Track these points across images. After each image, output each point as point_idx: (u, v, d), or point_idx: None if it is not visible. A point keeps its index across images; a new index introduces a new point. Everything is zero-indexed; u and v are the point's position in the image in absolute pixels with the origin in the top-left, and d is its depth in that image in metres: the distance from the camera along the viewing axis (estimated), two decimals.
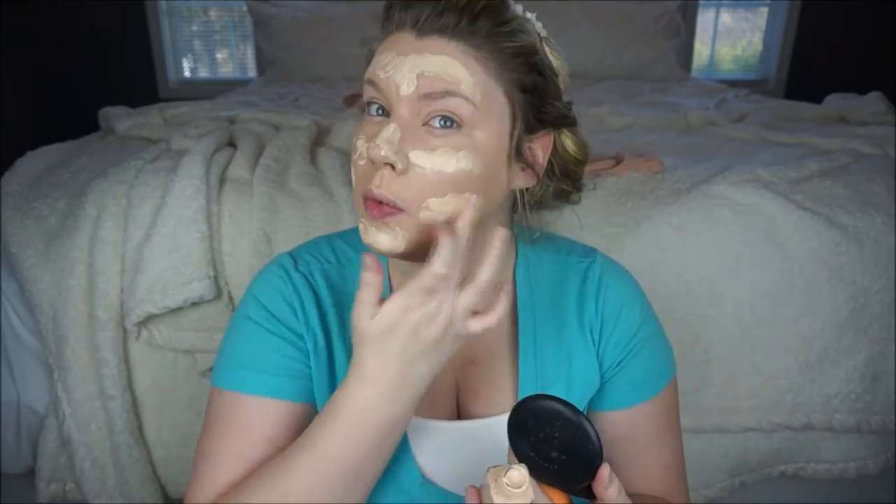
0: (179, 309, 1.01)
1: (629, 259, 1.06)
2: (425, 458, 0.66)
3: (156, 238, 0.99)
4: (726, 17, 3.38)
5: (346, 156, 1.21)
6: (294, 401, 0.63)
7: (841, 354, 1.11)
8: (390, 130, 0.53)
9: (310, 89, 2.24)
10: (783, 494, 1.22)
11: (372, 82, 0.57)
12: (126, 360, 1.05)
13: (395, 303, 0.50)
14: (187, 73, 3.36)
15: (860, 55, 3.16)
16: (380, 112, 0.57)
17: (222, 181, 1.08)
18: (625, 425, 0.70)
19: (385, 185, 0.54)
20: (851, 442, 1.15)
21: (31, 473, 1.12)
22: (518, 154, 0.59)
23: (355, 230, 0.71)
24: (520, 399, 0.50)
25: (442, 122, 0.54)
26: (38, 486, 1.10)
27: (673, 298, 1.08)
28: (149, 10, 3.10)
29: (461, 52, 0.54)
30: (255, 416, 0.61)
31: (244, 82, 2.83)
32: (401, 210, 0.54)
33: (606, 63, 2.55)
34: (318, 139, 1.29)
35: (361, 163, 0.57)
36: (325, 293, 0.66)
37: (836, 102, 1.79)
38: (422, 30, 0.55)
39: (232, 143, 1.20)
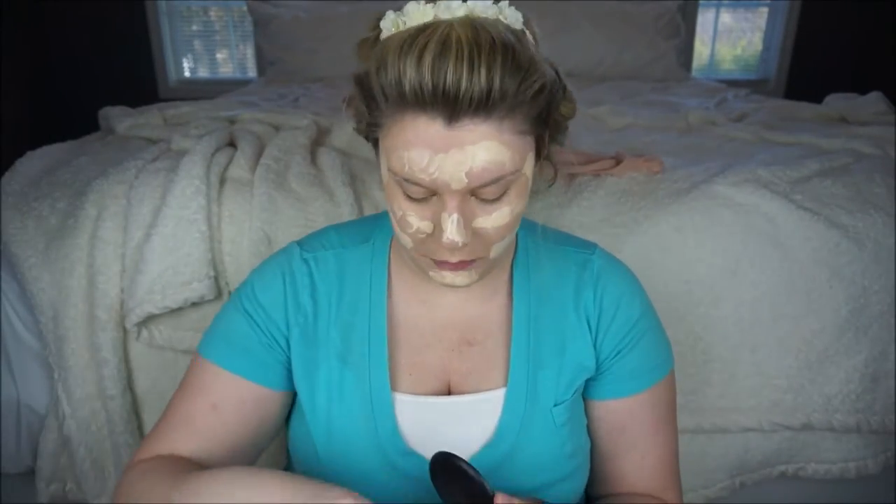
0: (179, 309, 1.01)
1: (629, 259, 1.06)
2: (411, 431, 0.68)
3: (156, 238, 0.99)
4: (726, 17, 3.38)
5: (346, 156, 1.21)
6: (250, 380, 0.67)
7: (841, 354, 1.11)
8: (455, 223, 0.55)
9: (310, 89, 2.24)
10: (783, 494, 1.22)
11: (413, 181, 0.54)
12: (126, 360, 1.05)
13: None
14: (187, 73, 3.36)
15: (860, 55, 3.16)
16: (422, 199, 0.57)
17: (222, 181, 1.08)
18: (621, 414, 0.71)
19: (460, 254, 0.58)
20: (851, 442, 1.15)
21: (31, 473, 1.12)
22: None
23: (361, 219, 0.78)
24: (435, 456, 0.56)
25: (493, 198, 0.57)
26: (38, 486, 1.10)
27: (673, 298, 1.08)
28: (149, 10, 3.10)
29: (496, 130, 0.52)
30: (210, 382, 0.67)
31: (244, 82, 2.83)
32: (475, 260, 0.60)
33: (606, 63, 2.55)
34: (319, 139, 1.29)
35: (422, 237, 0.59)
36: (323, 278, 0.70)
37: (836, 102, 1.79)
38: (452, 115, 0.51)
39: (232, 143, 1.20)
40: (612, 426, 0.72)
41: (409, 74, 0.50)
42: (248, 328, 0.69)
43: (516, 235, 0.72)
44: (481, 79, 0.49)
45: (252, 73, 3.30)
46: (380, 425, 0.67)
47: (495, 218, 0.57)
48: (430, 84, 0.50)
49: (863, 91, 1.77)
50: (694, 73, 3.17)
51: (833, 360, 1.11)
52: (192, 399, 0.68)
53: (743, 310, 1.09)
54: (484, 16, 0.53)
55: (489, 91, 0.50)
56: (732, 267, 1.08)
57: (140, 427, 1.07)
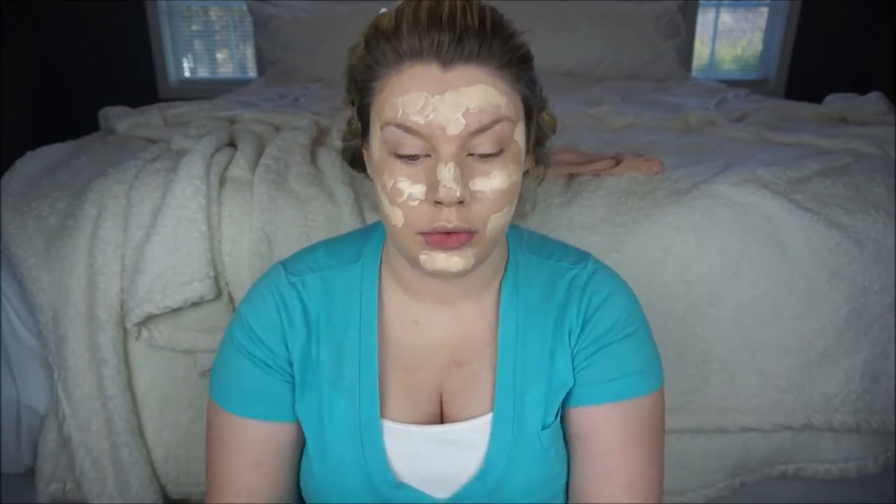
0: (179, 309, 1.01)
1: (629, 259, 1.06)
2: (401, 462, 0.67)
3: (156, 238, 0.99)
4: (726, 17, 3.38)
5: None
6: (276, 421, 0.68)
7: (841, 354, 1.11)
8: (453, 171, 0.54)
9: (310, 89, 2.24)
10: (783, 494, 1.22)
11: (407, 128, 0.54)
12: (126, 360, 1.05)
13: None
14: (187, 73, 3.36)
15: (860, 55, 3.16)
16: (412, 157, 0.56)
17: (222, 181, 1.08)
18: (586, 424, 0.67)
19: (456, 218, 0.56)
20: (852, 442, 1.15)
21: (31, 473, 1.12)
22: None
23: (347, 235, 0.75)
24: None
25: (490, 151, 0.56)
26: (38, 486, 1.10)
27: (673, 298, 1.08)
28: (149, 10, 3.10)
29: (489, 76, 0.55)
30: (243, 438, 0.67)
31: (244, 82, 2.83)
32: (472, 232, 0.57)
33: (606, 63, 2.55)
34: (319, 139, 1.29)
35: (414, 203, 0.56)
36: (312, 301, 0.68)
37: (836, 102, 1.79)
38: (446, 60, 0.54)
39: (232, 143, 1.20)
40: (578, 434, 0.67)
41: (407, 20, 0.54)
42: (260, 370, 0.68)
43: (507, 245, 0.71)
44: (474, 24, 0.54)
45: (252, 73, 3.30)
46: (369, 455, 0.66)
47: (494, 181, 0.56)
48: (426, 26, 0.53)
49: (863, 91, 1.77)
50: (694, 73, 3.17)
51: (833, 360, 1.11)
52: (233, 459, 0.67)
53: (743, 310, 1.09)
54: None
55: (482, 38, 0.54)
56: (732, 267, 1.08)
57: (140, 427, 1.07)
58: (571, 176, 1.18)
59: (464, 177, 0.55)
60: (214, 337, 1.04)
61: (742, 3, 3.37)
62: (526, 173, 0.65)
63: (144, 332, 1.03)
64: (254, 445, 0.67)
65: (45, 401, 1.10)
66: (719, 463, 1.15)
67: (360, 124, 0.63)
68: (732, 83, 2.64)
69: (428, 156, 0.56)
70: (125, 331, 1.04)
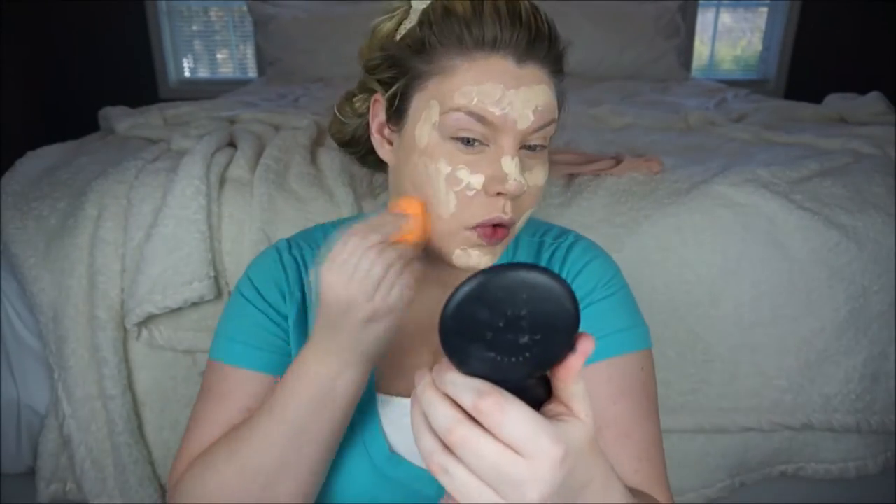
0: (180, 309, 1.01)
1: (629, 259, 1.06)
2: (395, 434, 0.67)
3: (156, 238, 1.00)
4: (726, 17, 3.38)
5: (346, 156, 1.21)
6: (273, 374, 0.66)
7: (841, 354, 1.11)
8: (516, 164, 0.56)
9: (310, 89, 2.24)
10: (783, 494, 1.22)
11: (480, 117, 0.55)
12: (126, 360, 1.05)
13: (332, 271, 0.52)
14: (187, 73, 3.36)
15: (860, 55, 3.16)
16: (469, 142, 0.56)
17: (222, 181, 1.08)
18: None
19: (511, 210, 0.58)
20: (851, 442, 1.15)
21: (31, 473, 1.12)
22: None
23: (350, 218, 0.77)
24: (454, 293, 0.36)
25: (534, 147, 0.59)
26: (38, 486, 1.10)
27: (673, 298, 1.08)
28: (149, 10, 3.10)
29: (548, 78, 0.58)
30: (236, 386, 0.65)
31: (244, 82, 2.84)
32: (510, 227, 0.59)
33: (606, 63, 2.55)
34: (319, 139, 1.29)
35: (470, 194, 0.57)
36: (308, 272, 0.70)
37: (836, 102, 1.79)
38: (522, 57, 0.56)
39: (232, 144, 1.20)
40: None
41: (488, 10, 0.55)
42: (259, 323, 0.67)
43: None
44: (544, 29, 0.57)
45: (252, 73, 3.30)
46: (364, 425, 0.66)
47: (535, 176, 0.59)
48: (508, 20, 0.55)
49: (863, 91, 1.78)
50: (694, 74, 3.17)
51: (833, 360, 1.11)
52: (223, 405, 0.65)
53: (743, 310, 1.09)
54: None
55: (549, 41, 0.57)
56: (732, 267, 1.08)
57: (140, 427, 1.07)
58: (571, 176, 1.18)
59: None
60: None
61: (742, 3, 3.37)
62: None
63: (144, 332, 1.03)
64: (247, 392, 0.65)
65: (45, 401, 1.10)
66: (719, 463, 1.15)
67: (389, 104, 0.62)
68: (732, 83, 2.64)
69: (486, 145, 0.57)
70: (125, 331, 1.04)
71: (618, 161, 1.20)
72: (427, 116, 0.58)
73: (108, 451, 1.05)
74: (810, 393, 1.12)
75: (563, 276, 0.69)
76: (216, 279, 1.02)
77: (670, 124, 1.64)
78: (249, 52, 3.33)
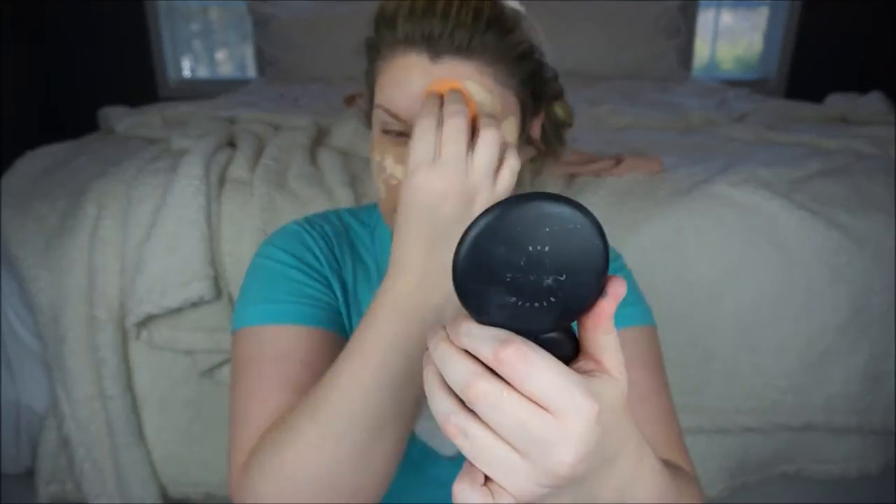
0: (179, 309, 1.01)
1: (629, 259, 1.06)
2: (434, 436, 0.67)
3: (155, 238, 0.99)
4: (726, 17, 3.38)
5: (346, 156, 1.21)
6: (326, 328, 0.61)
7: (842, 355, 1.11)
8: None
9: (310, 89, 2.24)
10: (784, 495, 1.22)
11: (392, 113, 0.56)
12: (126, 360, 1.05)
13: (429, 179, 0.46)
14: (187, 73, 3.36)
15: (860, 55, 3.16)
16: (400, 134, 0.57)
17: (222, 181, 1.08)
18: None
19: None
20: (852, 442, 1.15)
21: (31, 473, 1.12)
22: (522, 136, 0.62)
23: (358, 207, 0.76)
24: (467, 229, 0.32)
25: None
26: (38, 486, 1.10)
27: (673, 299, 1.08)
28: (149, 10, 3.10)
29: (477, 71, 0.55)
30: (288, 344, 0.59)
31: (244, 82, 2.83)
32: None
33: (606, 63, 2.55)
34: (318, 139, 1.29)
35: (394, 182, 0.58)
36: (338, 246, 0.68)
37: (836, 102, 1.79)
38: (435, 51, 0.54)
39: (232, 144, 1.20)
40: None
41: (405, 8, 0.55)
42: (299, 279, 0.62)
43: None
44: (468, 18, 0.54)
45: (252, 73, 3.30)
46: None
47: None
48: (420, 16, 0.54)
49: (863, 91, 1.77)
50: (694, 73, 3.17)
51: (834, 361, 1.11)
52: (278, 367, 0.57)
53: (743, 310, 1.08)
54: None
55: (474, 31, 0.54)
56: (733, 267, 1.08)
57: (140, 427, 1.07)
58: (572, 176, 1.18)
59: None
60: (214, 337, 1.04)
61: (742, 3, 3.36)
62: (526, 165, 0.66)
63: (144, 333, 1.03)
64: (303, 347, 0.58)
65: (45, 401, 1.10)
66: (719, 463, 1.15)
67: (369, 97, 0.64)
68: (733, 83, 2.64)
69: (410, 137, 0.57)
70: (125, 331, 1.04)
71: (618, 161, 1.20)
72: (373, 111, 0.60)
73: (107, 451, 1.05)
74: (811, 393, 1.12)
75: None
76: (216, 279, 1.02)
77: (670, 124, 1.64)
78: (249, 52, 3.32)
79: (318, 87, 2.29)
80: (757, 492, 1.21)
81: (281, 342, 0.59)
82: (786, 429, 1.13)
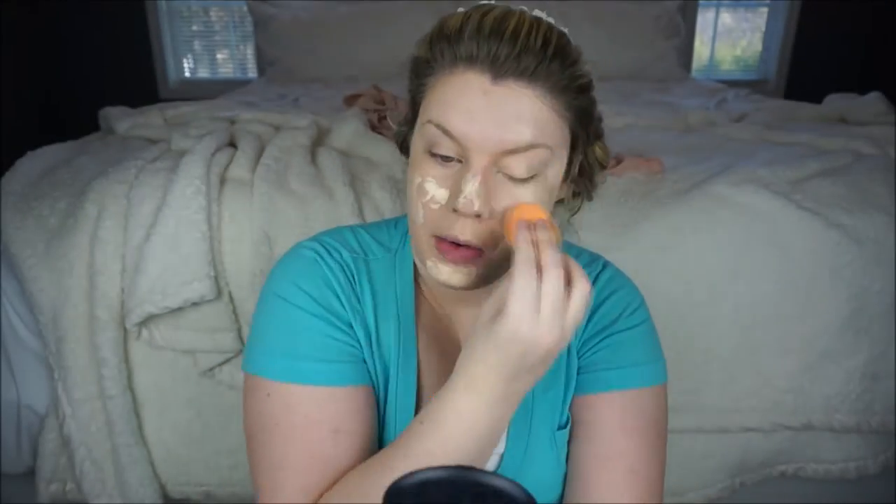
0: (180, 309, 1.01)
1: (629, 259, 1.06)
2: None
3: (156, 238, 0.99)
4: (726, 17, 3.38)
5: (346, 156, 1.21)
6: (354, 384, 0.60)
7: (841, 354, 1.11)
8: (476, 184, 0.53)
9: (310, 89, 2.24)
10: (783, 494, 1.22)
11: (445, 130, 0.54)
12: (126, 360, 1.05)
13: (521, 312, 0.47)
14: (187, 73, 3.36)
15: (860, 55, 3.16)
16: (446, 158, 0.56)
17: (223, 181, 1.08)
18: (588, 412, 0.65)
19: (469, 232, 0.55)
20: (852, 442, 1.15)
21: (31, 473, 1.12)
22: (567, 173, 0.61)
23: (376, 224, 0.72)
24: (401, 478, 0.34)
25: (521, 176, 0.55)
26: (38, 486, 1.10)
27: (673, 299, 1.08)
28: (149, 10, 3.10)
29: (538, 98, 0.54)
30: (318, 409, 0.58)
31: (244, 82, 2.83)
32: (480, 251, 0.56)
33: (606, 63, 2.55)
34: (319, 139, 1.29)
35: (435, 207, 0.56)
36: (358, 281, 0.65)
37: (836, 102, 1.79)
38: (499, 73, 0.53)
39: (232, 144, 1.20)
40: (576, 420, 0.66)
41: (471, 26, 0.54)
42: (325, 332, 0.60)
43: None
44: (536, 44, 0.53)
45: (252, 73, 3.30)
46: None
47: (516, 203, 0.55)
48: (487, 35, 0.53)
49: (863, 91, 1.77)
50: (694, 74, 3.17)
51: (833, 361, 1.11)
52: (310, 433, 0.57)
53: (743, 310, 1.09)
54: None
55: (541, 58, 0.53)
56: (732, 267, 1.08)
57: (140, 427, 1.07)
58: None
59: (489, 193, 0.54)
60: (214, 337, 1.04)
61: (742, 3, 3.37)
62: (560, 202, 0.64)
63: (144, 332, 1.03)
64: (328, 413, 0.58)
65: (45, 401, 1.10)
66: (719, 463, 1.15)
67: (411, 114, 0.63)
68: (732, 83, 2.64)
69: (461, 161, 0.55)
70: (125, 331, 1.04)
71: (618, 161, 1.20)
72: (417, 127, 0.59)
73: (107, 451, 1.05)
74: (810, 393, 1.12)
75: (584, 325, 0.66)
76: (216, 279, 1.02)
77: (670, 124, 1.64)
78: (249, 52, 3.32)
79: (318, 87, 2.29)
80: (756, 492, 1.21)
81: (310, 406, 0.58)
82: (785, 428, 1.13)
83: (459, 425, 0.51)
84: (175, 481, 1.10)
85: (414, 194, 0.58)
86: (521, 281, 0.47)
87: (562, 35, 0.56)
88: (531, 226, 0.50)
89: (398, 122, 0.69)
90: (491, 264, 0.58)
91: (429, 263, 0.58)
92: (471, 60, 0.54)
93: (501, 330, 0.47)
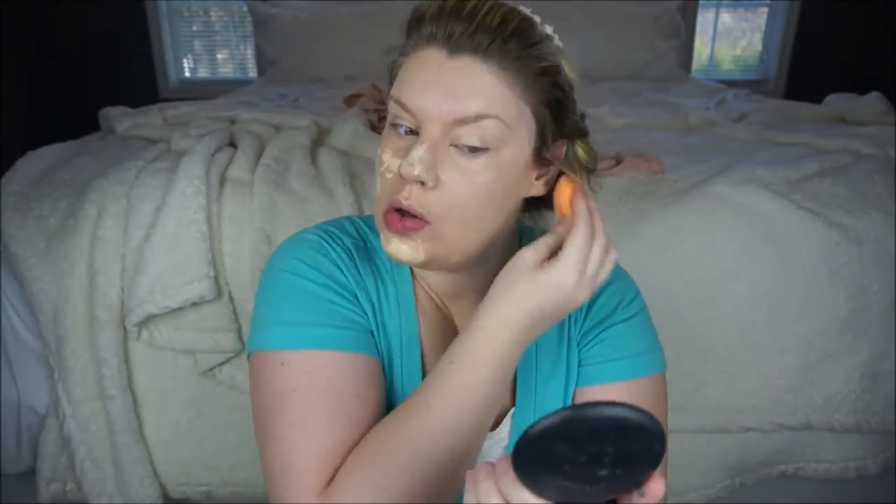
0: (180, 309, 1.01)
1: (629, 259, 1.06)
2: None
3: (156, 238, 1.00)
4: (726, 17, 3.38)
5: (346, 156, 1.21)
6: (366, 353, 0.60)
7: (841, 354, 1.11)
8: (422, 150, 0.54)
9: (310, 89, 2.24)
10: (783, 494, 1.22)
11: (401, 103, 0.56)
12: (126, 360, 1.05)
13: (565, 266, 0.52)
14: (187, 73, 3.36)
15: (860, 55, 3.16)
16: (407, 132, 0.57)
17: (222, 181, 1.08)
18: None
19: (414, 198, 0.56)
20: (851, 442, 1.15)
21: (31, 473, 1.12)
22: (535, 164, 0.61)
23: (371, 217, 0.71)
24: (533, 424, 0.34)
25: (473, 148, 0.56)
26: (38, 485, 1.10)
27: (673, 298, 1.08)
28: (149, 10, 3.10)
29: (492, 73, 0.55)
30: (339, 372, 0.57)
31: (244, 82, 2.84)
32: (425, 222, 0.56)
33: (606, 63, 2.55)
34: (319, 139, 1.29)
35: (389, 175, 0.58)
36: (361, 263, 0.65)
37: (835, 102, 1.79)
38: (454, 48, 0.55)
39: (232, 144, 1.20)
40: None
41: (433, 9, 0.56)
42: (333, 300, 0.60)
43: (520, 245, 0.68)
44: (493, 22, 0.54)
45: (252, 73, 3.30)
46: None
47: (466, 176, 0.55)
48: (447, 16, 0.55)
49: (863, 91, 1.78)
50: (694, 74, 3.17)
51: (833, 361, 1.11)
52: (329, 396, 0.56)
53: (743, 310, 1.09)
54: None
55: (495, 35, 0.54)
56: (732, 267, 1.08)
57: (140, 427, 1.07)
58: None
59: (436, 162, 0.55)
60: (214, 337, 1.04)
61: (742, 3, 3.37)
62: (531, 203, 0.64)
63: (145, 332, 1.03)
64: (350, 377, 0.57)
65: (45, 401, 1.10)
66: (719, 463, 1.15)
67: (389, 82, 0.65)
68: (732, 83, 2.64)
69: (417, 134, 0.57)
70: (125, 331, 1.04)
71: (618, 161, 1.20)
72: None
73: (107, 451, 1.05)
74: (810, 393, 1.12)
75: (583, 315, 0.68)
76: (216, 279, 1.02)
77: (670, 124, 1.64)
78: (249, 53, 3.32)
79: (318, 87, 2.29)
80: (756, 491, 1.21)
81: (332, 370, 0.57)
82: (785, 428, 1.13)
83: (491, 360, 0.54)
84: (175, 481, 1.10)
85: (376, 166, 0.60)
86: (580, 237, 0.52)
87: (526, 19, 0.57)
88: (587, 194, 0.55)
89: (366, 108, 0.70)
90: (441, 239, 0.57)
91: (381, 237, 0.59)
92: (430, 39, 0.56)
93: (551, 277, 0.52)
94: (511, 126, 0.56)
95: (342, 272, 0.62)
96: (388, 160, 0.58)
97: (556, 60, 0.59)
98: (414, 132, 0.57)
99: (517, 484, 0.35)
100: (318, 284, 0.60)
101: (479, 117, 0.54)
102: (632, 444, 0.34)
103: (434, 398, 0.54)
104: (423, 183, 0.55)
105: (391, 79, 0.62)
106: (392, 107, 0.58)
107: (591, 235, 0.53)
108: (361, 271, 0.64)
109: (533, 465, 0.34)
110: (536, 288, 0.52)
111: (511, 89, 0.56)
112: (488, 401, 0.55)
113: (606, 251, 0.54)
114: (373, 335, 0.62)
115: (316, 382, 0.56)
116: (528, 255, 0.53)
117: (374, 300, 0.64)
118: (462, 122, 0.55)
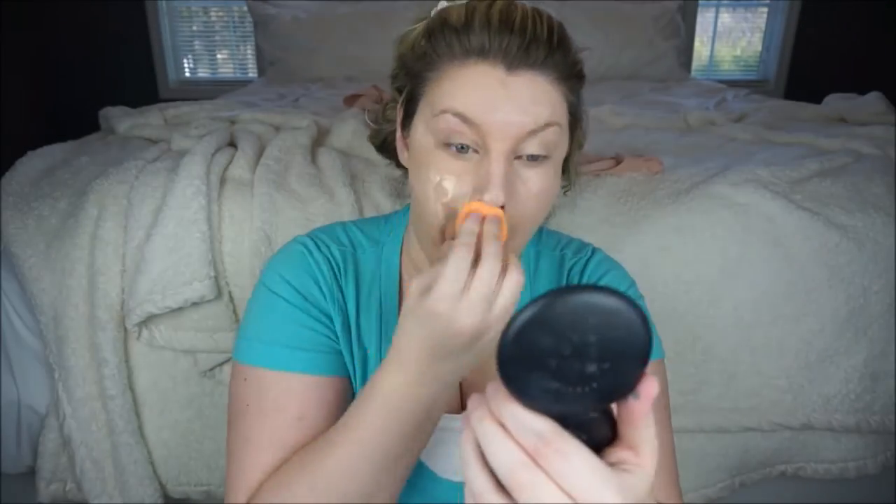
0: (180, 309, 1.01)
1: (629, 259, 1.06)
2: (431, 456, 0.67)
3: (156, 238, 1.00)
4: (726, 17, 3.38)
5: (346, 156, 1.21)
6: (326, 374, 0.62)
7: (840, 354, 1.11)
8: (501, 176, 0.54)
9: (310, 89, 2.24)
10: (783, 494, 1.22)
11: (465, 118, 0.55)
12: (126, 360, 1.05)
13: (442, 287, 0.47)
14: (188, 73, 3.36)
15: (860, 55, 3.17)
16: (460, 148, 0.56)
17: (223, 181, 1.08)
18: None
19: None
20: (851, 442, 1.15)
21: (31, 473, 1.12)
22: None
23: (368, 220, 0.74)
24: (513, 318, 0.32)
25: (534, 157, 0.56)
26: (38, 486, 1.10)
27: (672, 298, 1.08)
28: (149, 10, 3.10)
29: (549, 84, 0.56)
30: (285, 395, 0.60)
31: (244, 82, 2.84)
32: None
33: (606, 63, 2.55)
34: (319, 139, 1.29)
35: (445, 200, 0.57)
36: (343, 273, 0.67)
37: (835, 103, 1.79)
38: (512, 64, 0.55)
39: (232, 144, 1.20)
40: None
41: (479, 18, 0.55)
42: (301, 321, 0.63)
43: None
44: (543, 35, 0.55)
45: (252, 73, 3.30)
46: None
47: (532, 187, 0.56)
48: (497, 27, 0.54)
49: (863, 91, 1.78)
50: (693, 74, 3.17)
51: (832, 360, 1.11)
52: (275, 418, 0.60)
53: (742, 310, 1.09)
54: None
55: (549, 49, 0.55)
56: (732, 267, 1.08)
57: (140, 427, 1.07)
58: None
59: (508, 182, 0.55)
60: (214, 337, 1.04)
61: (742, 3, 3.37)
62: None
63: (145, 333, 1.03)
64: (300, 398, 0.60)
65: (45, 401, 1.10)
66: (719, 463, 1.15)
67: (403, 111, 0.63)
68: (732, 83, 2.64)
69: (477, 152, 0.56)
70: (126, 331, 1.04)
71: (618, 161, 1.20)
72: (422, 122, 0.59)
73: (107, 451, 1.05)
74: (810, 393, 1.12)
75: None
76: (216, 279, 1.02)
77: (670, 124, 1.64)
78: (249, 52, 3.33)
79: (318, 87, 2.29)
80: (756, 491, 1.21)
81: (279, 391, 0.60)
82: (785, 428, 1.13)
83: (391, 396, 0.51)
84: (175, 481, 1.10)
85: (430, 194, 0.57)
86: (454, 264, 0.47)
87: (561, 25, 0.58)
88: (482, 219, 0.51)
89: (374, 121, 0.70)
90: (510, 251, 0.58)
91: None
92: (483, 52, 0.55)
93: (424, 306, 0.47)
94: (563, 128, 0.58)
95: (319, 287, 0.64)
96: (453, 188, 0.56)
97: (582, 60, 0.61)
98: (470, 148, 0.56)
99: (508, 400, 0.33)
100: (290, 304, 0.63)
101: (546, 125, 0.56)
102: (615, 329, 0.32)
103: (337, 433, 0.54)
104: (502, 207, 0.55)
105: (416, 91, 0.60)
106: (449, 122, 0.55)
107: (471, 260, 0.47)
108: (342, 283, 0.66)
109: (519, 367, 0.33)
110: (416, 318, 0.48)
111: (561, 94, 0.58)
112: (400, 436, 0.53)
113: (505, 272, 0.48)
114: (340, 354, 0.64)
115: (263, 402, 0.60)
116: (415, 283, 0.49)
117: (352, 308, 0.66)
118: (532, 132, 0.55)
